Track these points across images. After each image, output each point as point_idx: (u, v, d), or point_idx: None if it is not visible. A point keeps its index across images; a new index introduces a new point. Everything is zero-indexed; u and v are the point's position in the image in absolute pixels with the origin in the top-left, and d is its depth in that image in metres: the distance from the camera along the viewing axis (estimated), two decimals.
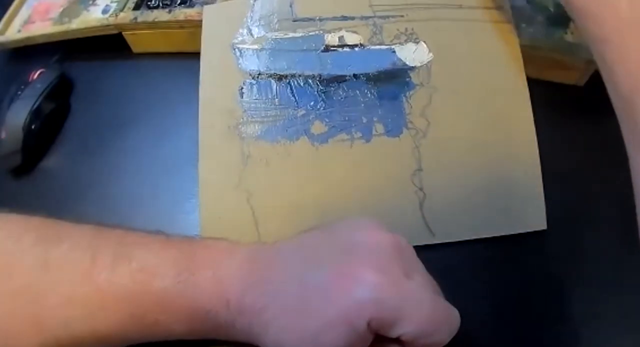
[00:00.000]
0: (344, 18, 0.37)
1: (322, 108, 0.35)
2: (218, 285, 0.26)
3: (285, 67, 0.36)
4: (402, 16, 0.37)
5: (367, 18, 0.37)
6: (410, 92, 0.35)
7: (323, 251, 0.26)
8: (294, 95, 0.35)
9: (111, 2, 0.44)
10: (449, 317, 0.25)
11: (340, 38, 0.37)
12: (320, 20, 0.37)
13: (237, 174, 0.34)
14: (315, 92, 0.35)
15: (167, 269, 0.26)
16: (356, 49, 0.36)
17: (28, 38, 0.45)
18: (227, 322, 0.25)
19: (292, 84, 0.36)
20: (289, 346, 0.24)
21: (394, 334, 0.24)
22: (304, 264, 0.25)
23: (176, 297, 0.25)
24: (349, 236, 0.26)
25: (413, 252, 0.26)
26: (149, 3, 0.43)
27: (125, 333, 0.26)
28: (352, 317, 0.23)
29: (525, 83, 0.34)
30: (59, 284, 0.26)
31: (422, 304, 0.24)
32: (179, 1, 0.42)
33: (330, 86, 0.35)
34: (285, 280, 0.25)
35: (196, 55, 0.37)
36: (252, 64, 0.36)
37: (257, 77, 0.36)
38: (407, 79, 0.35)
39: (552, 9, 0.40)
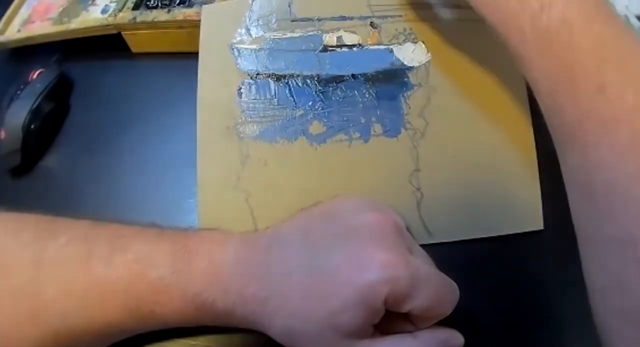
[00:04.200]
0: (343, 18, 0.37)
1: (320, 108, 0.35)
2: (214, 273, 0.26)
3: (284, 67, 0.36)
4: (400, 16, 0.37)
5: (365, 18, 0.37)
6: (409, 93, 0.35)
7: (326, 236, 0.26)
8: (292, 96, 0.35)
9: (110, 2, 0.44)
10: (452, 290, 0.26)
11: (339, 38, 0.37)
12: (319, 20, 0.37)
13: (236, 174, 0.34)
14: (314, 92, 0.35)
15: (162, 260, 0.26)
16: (354, 49, 0.36)
17: (28, 38, 0.45)
18: (226, 310, 0.26)
19: (291, 84, 0.36)
20: (298, 331, 0.25)
21: (404, 309, 0.25)
22: (308, 250, 0.26)
23: (172, 287, 0.26)
24: (350, 219, 0.27)
25: (405, 228, 0.28)
26: (147, 3, 0.43)
27: (122, 324, 0.26)
28: (369, 297, 0.24)
29: (524, 83, 0.34)
30: (56, 278, 0.26)
31: (430, 278, 0.25)
32: (177, 1, 0.42)
33: (329, 86, 0.35)
34: (289, 269, 0.25)
35: (195, 55, 0.37)
36: (250, 64, 0.36)
37: (256, 77, 0.36)
38: (406, 79, 0.35)
39: None
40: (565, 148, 0.23)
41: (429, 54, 0.36)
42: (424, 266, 0.26)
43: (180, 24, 0.41)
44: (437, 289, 0.25)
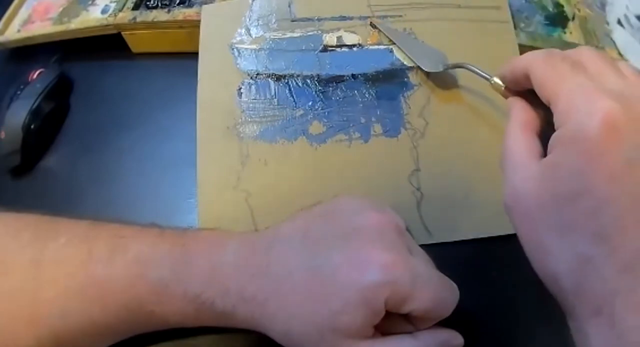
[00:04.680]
0: (343, 18, 0.37)
1: (320, 108, 0.35)
2: (214, 274, 0.26)
3: (284, 67, 0.36)
4: (400, 16, 0.37)
5: (365, 18, 0.37)
6: (409, 93, 0.35)
7: (326, 236, 0.26)
8: (292, 96, 0.35)
9: (110, 2, 0.44)
10: (452, 291, 0.26)
11: (339, 38, 0.37)
12: (319, 20, 0.37)
13: (236, 174, 0.34)
14: (314, 92, 0.35)
15: (162, 260, 0.26)
16: (354, 49, 0.36)
17: (28, 38, 0.45)
18: (226, 310, 0.26)
19: (291, 84, 0.36)
20: (298, 332, 0.25)
21: (405, 310, 0.24)
22: (308, 251, 0.26)
23: (172, 287, 0.26)
24: (350, 219, 0.26)
25: (405, 228, 0.28)
26: (147, 3, 0.43)
27: (121, 325, 0.26)
28: (370, 298, 0.24)
29: None
30: (55, 278, 0.26)
31: (430, 279, 0.25)
32: (177, 1, 0.42)
33: (329, 86, 0.35)
34: (289, 269, 0.25)
35: (195, 55, 0.37)
36: (250, 64, 0.36)
37: (256, 77, 0.36)
38: (406, 79, 0.35)
39: (550, 9, 0.40)
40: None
41: None
42: (424, 266, 0.26)
43: (180, 24, 0.41)
44: (437, 290, 0.25)
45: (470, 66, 0.31)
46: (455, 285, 0.26)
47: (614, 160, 0.20)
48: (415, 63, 0.35)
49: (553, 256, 0.21)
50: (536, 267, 0.23)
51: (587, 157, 0.20)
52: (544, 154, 0.23)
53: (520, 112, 0.25)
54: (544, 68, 0.23)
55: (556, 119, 0.22)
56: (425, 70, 0.35)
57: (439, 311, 0.25)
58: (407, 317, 0.26)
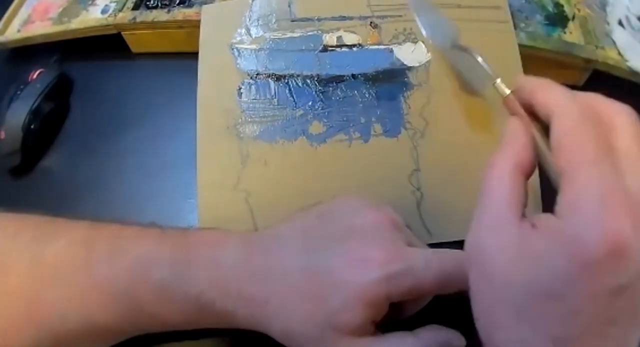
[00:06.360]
0: (342, 18, 0.37)
1: (320, 108, 0.35)
2: (214, 274, 0.26)
3: (284, 67, 0.36)
4: (400, 16, 0.37)
5: (365, 18, 0.37)
6: (409, 93, 0.35)
7: (324, 236, 0.26)
8: (292, 96, 0.35)
9: (110, 2, 0.44)
10: (456, 263, 0.25)
11: (339, 38, 0.37)
12: (319, 20, 0.37)
13: (236, 174, 0.34)
14: (314, 92, 0.35)
15: (162, 261, 0.26)
16: (354, 49, 0.36)
17: (27, 38, 0.45)
18: (227, 311, 0.26)
19: (291, 84, 0.36)
20: (298, 332, 0.25)
21: (418, 295, 0.25)
22: (307, 251, 0.26)
23: (172, 288, 0.26)
24: (348, 219, 0.27)
25: (404, 225, 0.28)
26: (147, 3, 0.43)
27: (122, 326, 0.26)
28: (369, 296, 0.24)
29: None
30: (55, 280, 0.26)
31: (429, 262, 0.25)
32: (177, 1, 0.42)
33: (329, 86, 0.35)
34: (288, 269, 0.26)
35: (195, 55, 0.37)
36: (250, 64, 0.36)
37: (256, 77, 0.36)
38: (406, 79, 0.35)
39: (550, 9, 0.40)
40: None
41: (429, 54, 0.36)
42: (423, 252, 0.26)
43: (180, 24, 0.41)
44: (440, 270, 0.25)
45: (477, 55, 0.28)
46: (458, 255, 0.25)
47: (603, 284, 0.18)
48: (423, 33, 0.34)
49: (502, 332, 0.20)
50: (480, 328, 0.21)
51: (577, 270, 0.18)
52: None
53: (517, 147, 0.22)
54: (573, 130, 0.20)
55: (561, 201, 0.19)
56: (431, 43, 0.33)
57: (453, 285, 0.25)
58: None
